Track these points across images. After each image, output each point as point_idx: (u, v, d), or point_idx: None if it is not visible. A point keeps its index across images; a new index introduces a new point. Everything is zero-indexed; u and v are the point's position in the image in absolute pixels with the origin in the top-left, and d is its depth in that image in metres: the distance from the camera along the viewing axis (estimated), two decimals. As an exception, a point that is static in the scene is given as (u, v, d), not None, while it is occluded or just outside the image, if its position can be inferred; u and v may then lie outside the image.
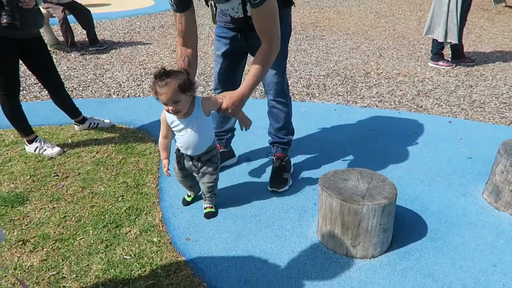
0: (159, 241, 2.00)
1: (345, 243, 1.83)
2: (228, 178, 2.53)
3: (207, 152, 2.03)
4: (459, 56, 4.67)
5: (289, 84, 4.12)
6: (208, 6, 2.10)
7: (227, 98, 1.93)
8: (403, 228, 2.04)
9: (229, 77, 2.38)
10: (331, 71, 4.61)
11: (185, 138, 1.94)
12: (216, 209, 2.21)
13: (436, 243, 1.93)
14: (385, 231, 1.80)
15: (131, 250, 1.94)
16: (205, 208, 2.19)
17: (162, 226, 2.11)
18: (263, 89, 4.03)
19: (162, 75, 1.73)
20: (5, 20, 2.27)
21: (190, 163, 2.06)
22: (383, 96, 3.83)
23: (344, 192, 1.80)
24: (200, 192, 2.25)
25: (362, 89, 4.03)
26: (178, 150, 2.06)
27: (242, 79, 2.37)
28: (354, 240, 1.80)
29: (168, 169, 2.05)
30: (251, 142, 2.96)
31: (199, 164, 2.04)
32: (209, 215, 2.17)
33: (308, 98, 3.81)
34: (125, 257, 1.90)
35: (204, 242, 1.99)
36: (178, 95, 1.75)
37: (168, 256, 1.90)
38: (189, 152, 2.01)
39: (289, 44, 6.01)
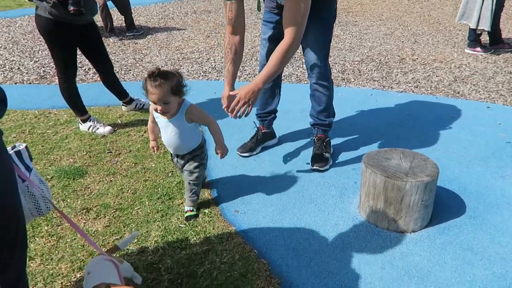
0: (210, 212, 2.16)
1: (387, 218, 1.94)
2: (270, 157, 2.67)
3: (190, 152, 2.05)
4: (497, 42, 4.60)
5: (325, 69, 4.20)
6: None
7: (240, 90, 2.00)
8: (442, 206, 2.13)
9: None
10: (365, 56, 4.64)
11: (165, 136, 1.99)
12: (198, 212, 2.15)
13: (475, 220, 2.01)
14: (426, 207, 1.90)
15: (185, 220, 2.10)
16: (186, 212, 2.13)
17: (211, 199, 2.27)
18: (298, 75, 4.12)
19: (157, 75, 1.76)
20: (72, 8, 2.45)
21: (175, 159, 2.11)
22: (419, 82, 3.86)
23: (388, 170, 1.90)
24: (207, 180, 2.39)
25: (397, 74, 4.06)
26: None
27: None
28: (396, 215, 1.91)
29: (155, 149, 2.16)
30: (290, 125, 3.07)
31: (182, 161, 2.08)
32: (189, 218, 2.09)
33: (344, 83, 3.88)
34: (180, 225, 2.07)
35: (251, 214, 2.14)
36: (169, 97, 1.79)
37: (220, 225, 2.06)
38: (170, 150, 2.07)
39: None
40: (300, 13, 1.90)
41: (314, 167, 2.47)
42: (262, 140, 2.74)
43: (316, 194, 2.28)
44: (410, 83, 3.85)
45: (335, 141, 2.82)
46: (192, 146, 2.03)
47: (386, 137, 2.86)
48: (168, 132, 1.96)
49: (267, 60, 2.46)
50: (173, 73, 1.80)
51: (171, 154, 2.15)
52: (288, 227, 2.03)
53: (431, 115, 3.18)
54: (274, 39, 2.38)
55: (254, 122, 2.77)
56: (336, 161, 2.59)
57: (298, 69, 4.26)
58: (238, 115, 2.02)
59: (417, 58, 4.52)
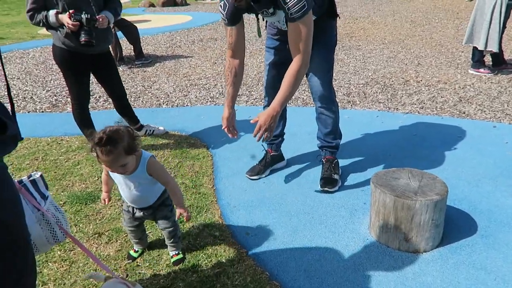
0: (221, 235, 2.17)
1: (398, 238, 1.94)
2: (280, 179, 2.69)
3: (158, 198, 1.90)
4: (500, 63, 4.67)
5: (330, 92, 4.27)
6: (257, 19, 2.24)
7: (260, 117, 2.06)
8: (453, 226, 2.12)
9: (276, 85, 2.47)
10: (370, 79, 4.71)
11: (127, 193, 1.82)
12: (184, 254, 2.03)
13: (487, 239, 2.01)
14: (436, 226, 1.90)
15: (196, 242, 2.12)
16: (171, 257, 2.01)
17: (222, 222, 2.29)
18: (304, 98, 4.19)
19: (105, 142, 1.55)
20: (83, 39, 2.56)
21: (141, 213, 1.91)
22: (424, 103, 3.90)
23: (397, 189, 1.92)
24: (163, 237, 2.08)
25: (402, 96, 4.11)
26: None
27: None
28: (407, 235, 1.91)
29: (106, 201, 1.98)
30: (298, 147, 3.10)
31: (151, 210, 1.91)
32: (177, 263, 1.98)
33: (350, 106, 3.93)
34: (191, 248, 2.08)
35: (262, 236, 2.15)
36: (125, 159, 1.63)
37: (231, 248, 2.07)
38: (136, 205, 1.89)
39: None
40: (305, 36, 1.96)
41: (324, 189, 2.48)
42: (271, 163, 2.77)
43: (326, 215, 2.29)
44: (415, 104, 3.89)
45: (343, 162, 2.84)
46: (155, 197, 1.88)
47: (394, 158, 2.88)
48: (129, 188, 1.79)
49: (270, 85, 2.53)
50: (122, 132, 1.61)
51: (129, 212, 1.93)
52: (299, 249, 2.04)
53: (437, 135, 3.20)
54: (276, 65, 2.45)
55: (262, 145, 2.81)
56: (345, 182, 2.61)
57: (304, 92, 4.33)
58: (261, 139, 2.07)
59: (421, 80, 4.58)
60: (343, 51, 6.06)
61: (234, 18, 2.11)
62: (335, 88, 4.33)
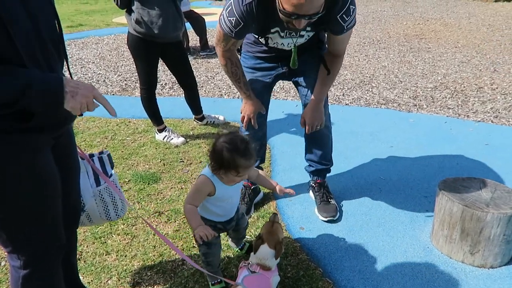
0: (275, 226, 2.18)
1: (462, 250, 1.83)
2: (339, 178, 2.64)
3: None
4: None
5: (394, 94, 4.11)
6: (262, 38, 1.99)
7: (306, 117, 2.09)
8: (526, 244, 1.96)
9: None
10: (439, 83, 4.47)
11: (228, 204, 1.71)
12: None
13: None
14: (508, 242, 1.77)
15: (251, 231, 2.14)
16: (243, 247, 2.03)
17: (277, 214, 2.29)
18: (367, 98, 4.07)
19: (247, 146, 1.50)
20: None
21: (231, 224, 1.80)
22: (499, 112, 3.64)
23: (466, 198, 1.81)
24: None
25: (474, 103, 3.87)
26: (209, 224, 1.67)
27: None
28: (473, 248, 1.80)
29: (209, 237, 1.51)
30: (358, 146, 3.03)
31: (233, 222, 1.81)
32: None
33: (415, 109, 3.76)
34: (247, 236, 2.11)
35: (317, 233, 2.13)
36: None
37: (285, 241, 2.07)
38: (229, 217, 1.77)
39: (393, 55, 5.91)
40: (348, 39, 1.94)
41: (328, 219, 2.19)
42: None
43: (384, 218, 2.22)
44: (488, 112, 3.64)
45: (405, 167, 2.74)
46: None
47: (461, 167, 2.72)
48: (234, 197, 1.72)
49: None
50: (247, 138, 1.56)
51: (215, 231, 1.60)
52: (355, 249, 1.99)
53: (512, 147, 2.98)
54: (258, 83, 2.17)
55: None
56: (407, 187, 2.51)
57: (367, 93, 4.21)
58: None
59: (497, 88, 4.27)
60: (411, 52, 5.80)
61: (241, 35, 1.85)
62: (400, 91, 4.18)
